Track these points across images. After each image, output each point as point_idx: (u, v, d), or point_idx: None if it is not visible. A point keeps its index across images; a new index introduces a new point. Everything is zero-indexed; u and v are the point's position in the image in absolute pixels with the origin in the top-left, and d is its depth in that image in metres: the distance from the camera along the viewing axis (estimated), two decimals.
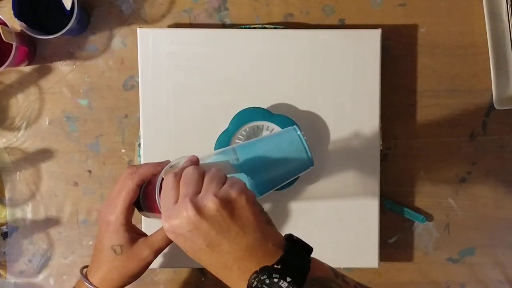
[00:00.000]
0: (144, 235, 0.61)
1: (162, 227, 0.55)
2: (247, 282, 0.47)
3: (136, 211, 0.61)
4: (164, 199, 0.50)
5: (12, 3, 0.67)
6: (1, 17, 0.67)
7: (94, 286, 0.59)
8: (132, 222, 0.60)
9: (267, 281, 0.46)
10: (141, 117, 0.71)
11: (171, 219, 0.48)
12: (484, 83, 0.75)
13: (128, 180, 0.58)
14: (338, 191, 0.71)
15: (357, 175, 0.71)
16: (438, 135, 0.75)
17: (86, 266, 0.61)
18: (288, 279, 0.45)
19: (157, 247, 0.59)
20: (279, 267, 0.46)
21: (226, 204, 0.47)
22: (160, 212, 0.55)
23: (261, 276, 0.46)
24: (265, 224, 0.48)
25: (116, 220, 0.58)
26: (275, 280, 0.45)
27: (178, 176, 0.51)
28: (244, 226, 0.47)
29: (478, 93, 0.75)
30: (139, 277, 0.60)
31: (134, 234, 0.59)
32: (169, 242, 0.60)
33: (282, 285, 0.45)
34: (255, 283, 0.46)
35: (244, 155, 0.57)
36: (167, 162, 0.58)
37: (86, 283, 0.59)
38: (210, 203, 0.47)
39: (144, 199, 0.60)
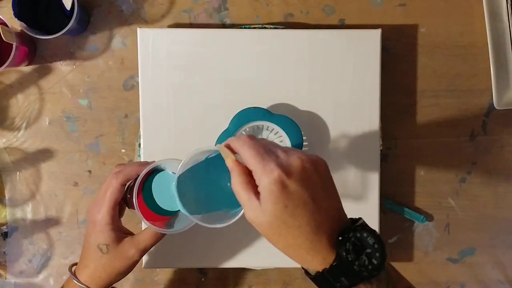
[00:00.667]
0: (131, 234, 0.61)
1: (148, 227, 0.57)
2: (335, 240, 0.45)
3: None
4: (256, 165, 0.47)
5: (12, 3, 0.67)
6: (1, 17, 0.67)
7: (82, 283, 0.59)
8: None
9: (358, 235, 0.45)
10: (141, 117, 0.71)
11: (285, 165, 0.46)
12: (484, 83, 0.75)
13: (113, 180, 0.59)
14: (338, 191, 0.71)
15: (357, 175, 0.71)
16: (438, 135, 0.75)
17: (75, 264, 0.62)
18: (372, 240, 0.45)
19: (143, 246, 0.59)
20: (363, 225, 0.47)
21: (326, 164, 0.48)
22: (138, 210, 0.57)
23: (353, 231, 0.45)
24: None
25: (102, 219, 0.59)
26: (365, 235, 0.45)
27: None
28: (333, 187, 0.48)
29: (478, 93, 0.75)
30: (126, 274, 0.61)
31: (120, 233, 0.60)
32: (155, 241, 0.60)
33: (369, 241, 0.45)
34: (349, 236, 0.45)
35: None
36: (152, 162, 0.59)
37: (74, 281, 0.59)
38: (317, 158, 0.48)
39: (129, 198, 0.60)
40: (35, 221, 0.76)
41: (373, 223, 0.72)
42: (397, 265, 0.76)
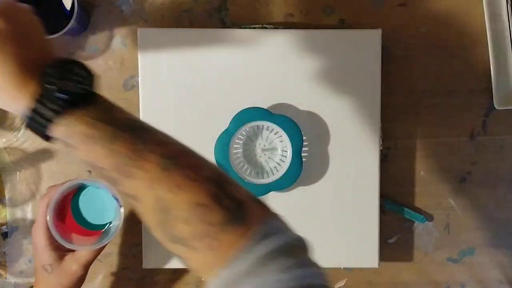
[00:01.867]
0: (73, 251, 0.64)
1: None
2: (40, 73, 0.45)
3: None
4: None
5: None
6: None
7: None
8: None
9: (64, 66, 0.45)
10: (141, 117, 0.70)
11: None
12: (484, 83, 0.75)
13: (40, 203, 0.64)
14: (338, 191, 0.72)
15: (357, 175, 0.71)
16: (438, 135, 0.75)
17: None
18: (78, 69, 0.45)
19: (84, 261, 0.63)
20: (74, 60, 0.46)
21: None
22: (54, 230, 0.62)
23: (61, 64, 0.45)
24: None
25: (40, 242, 0.63)
26: (70, 66, 0.45)
27: None
28: (33, 31, 0.49)
29: (478, 93, 0.75)
30: None
31: (61, 252, 0.63)
32: (95, 255, 0.64)
33: (76, 70, 0.45)
34: (55, 67, 0.45)
35: None
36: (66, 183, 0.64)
37: None
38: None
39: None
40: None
41: (373, 223, 0.72)
42: (397, 265, 0.76)
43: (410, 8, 0.74)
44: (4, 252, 0.76)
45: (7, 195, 0.75)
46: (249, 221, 0.42)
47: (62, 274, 0.62)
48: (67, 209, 0.66)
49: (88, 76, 0.45)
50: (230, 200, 0.42)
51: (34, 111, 0.44)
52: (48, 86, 0.43)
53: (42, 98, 0.44)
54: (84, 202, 0.66)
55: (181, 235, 0.42)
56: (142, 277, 0.76)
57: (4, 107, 0.46)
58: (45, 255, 0.62)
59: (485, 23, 0.73)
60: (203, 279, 0.43)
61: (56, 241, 0.62)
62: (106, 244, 0.64)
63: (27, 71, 0.44)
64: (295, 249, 0.42)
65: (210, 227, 0.41)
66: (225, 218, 0.41)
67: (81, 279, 0.64)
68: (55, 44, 0.49)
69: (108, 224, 0.66)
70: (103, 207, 0.66)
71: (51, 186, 0.66)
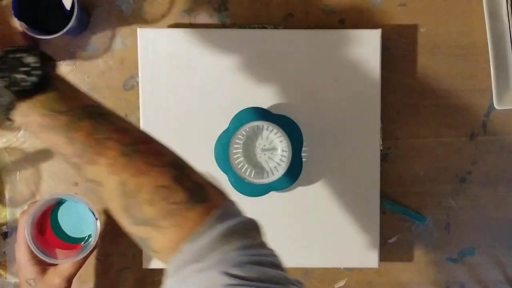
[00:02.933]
0: (54, 265, 0.65)
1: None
2: None
3: None
4: None
5: (12, 3, 0.67)
6: None
7: None
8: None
9: (13, 56, 0.45)
10: (141, 117, 0.71)
11: None
12: (484, 83, 0.75)
13: (20, 220, 0.66)
14: (338, 191, 0.72)
15: (357, 175, 0.71)
16: (438, 135, 0.75)
17: None
18: (34, 61, 0.45)
19: (66, 274, 0.64)
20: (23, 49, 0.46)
21: None
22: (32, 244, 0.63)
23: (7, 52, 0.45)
24: None
25: (22, 257, 0.64)
26: (19, 55, 0.45)
27: None
28: None
29: (478, 93, 0.75)
30: None
31: (43, 266, 0.65)
32: (77, 267, 0.65)
33: (26, 60, 0.45)
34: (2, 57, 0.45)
35: None
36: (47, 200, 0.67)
37: None
38: None
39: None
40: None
41: (373, 223, 0.72)
42: (397, 265, 0.76)
43: (410, 8, 0.74)
44: (4, 252, 0.76)
45: (7, 195, 0.75)
46: (210, 201, 0.43)
47: (46, 287, 0.64)
48: (47, 223, 0.68)
49: (39, 63, 0.45)
50: (191, 182, 0.44)
51: None
52: None
53: None
54: (63, 216, 0.68)
55: (146, 216, 0.43)
56: (142, 277, 0.76)
57: None
58: (28, 269, 0.64)
59: (485, 23, 0.73)
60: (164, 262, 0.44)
61: (36, 256, 0.64)
62: (88, 256, 0.66)
63: None
64: (250, 230, 0.44)
65: (175, 206, 0.42)
66: (188, 198, 0.43)
67: None
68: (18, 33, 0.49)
69: (87, 237, 0.68)
70: (81, 220, 0.68)
71: (31, 202, 0.68)
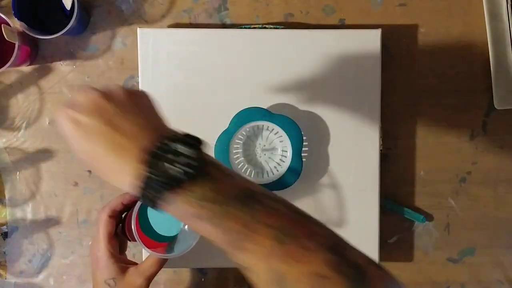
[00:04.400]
0: (134, 263, 0.62)
1: (150, 255, 0.59)
2: (145, 158, 0.43)
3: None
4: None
5: (12, 3, 0.67)
6: (3, 17, 0.67)
7: None
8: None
9: (172, 146, 0.44)
10: None
11: (73, 103, 0.46)
12: (484, 83, 0.75)
13: (101, 214, 0.61)
14: (338, 191, 0.72)
15: (357, 175, 0.71)
16: (438, 135, 0.75)
17: None
18: (189, 150, 0.43)
19: (148, 274, 0.60)
20: (180, 136, 0.45)
21: (129, 91, 0.47)
22: (135, 240, 0.59)
23: (162, 143, 0.44)
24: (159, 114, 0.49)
25: (103, 255, 0.60)
26: (179, 144, 0.44)
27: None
28: (146, 108, 0.48)
29: (478, 93, 0.75)
30: None
31: (124, 265, 0.61)
32: (159, 267, 0.61)
33: (182, 149, 0.43)
34: (157, 149, 0.43)
35: None
36: None
37: None
38: (113, 87, 0.47)
39: (124, 229, 0.63)
40: (35, 221, 0.76)
41: (373, 223, 0.72)
42: (397, 265, 0.76)
43: (410, 8, 0.74)
44: (4, 252, 0.76)
45: (7, 195, 0.75)
46: (371, 285, 0.41)
47: None
48: (135, 219, 0.62)
49: (194, 152, 0.43)
50: (350, 267, 0.41)
51: (140, 190, 0.43)
52: (149, 173, 0.42)
53: (146, 181, 0.42)
54: (153, 213, 0.63)
55: None
56: None
57: (110, 181, 0.45)
58: (109, 269, 0.60)
59: (485, 23, 0.73)
60: None
61: (118, 253, 0.61)
62: (178, 255, 0.61)
63: (127, 155, 0.44)
64: None
65: None
66: (348, 287, 0.40)
67: None
68: (160, 117, 0.49)
69: (174, 237, 0.63)
70: (170, 218, 0.62)
71: (118, 196, 0.63)
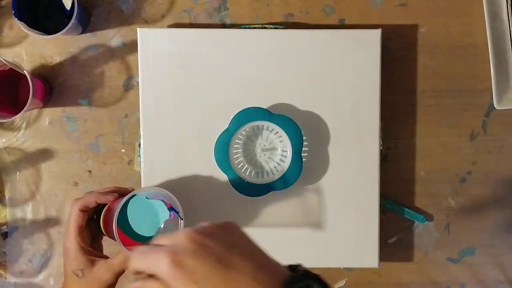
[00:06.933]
0: (105, 257, 0.62)
1: (122, 251, 0.59)
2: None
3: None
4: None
5: (12, 3, 0.67)
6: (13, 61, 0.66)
7: None
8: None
9: (301, 284, 0.42)
10: (141, 117, 0.71)
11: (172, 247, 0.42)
12: (484, 83, 0.75)
13: (72, 207, 0.62)
14: (338, 191, 0.72)
15: (357, 175, 0.71)
16: (438, 135, 0.75)
17: None
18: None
19: (117, 270, 0.61)
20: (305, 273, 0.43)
21: (221, 225, 0.45)
22: (111, 235, 0.60)
23: (295, 277, 0.42)
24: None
25: (72, 246, 0.61)
26: (310, 283, 0.42)
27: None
28: (246, 243, 0.45)
29: (478, 93, 0.75)
30: None
31: (93, 257, 0.62)
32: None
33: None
34: (293, 279, 0.42)
35: None
36: (114, 189, 0.63)
37: None
38: (205, 224, 0.44)
39: (104, 225, 0.63)
40: (35, 221, 0.76)
41: (373, 223, 0.72)
42: (397, 265, 0.76)
43: (410, 8, 0.74)
44: (4, 252, 0.76)
45: (7, 195, 0.75)
46: None
47: (93, 280, 0.60)
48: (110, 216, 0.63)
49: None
50: None
51: None
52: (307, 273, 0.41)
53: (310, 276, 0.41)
54: (132, 213, 0.63)
55: None
56: None
57: None
58: (77, 260, 0.61)
59: (485, 23, 0.73)
60: None
61: (87, 246, 0.61)
62: None
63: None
64: None
65: None
66: None
67: (111, 287, 0.62)
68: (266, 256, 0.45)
69: (152, 237, 0.63)
70: (152, 217, 0.63)
71: (88, 192, 0.64)
